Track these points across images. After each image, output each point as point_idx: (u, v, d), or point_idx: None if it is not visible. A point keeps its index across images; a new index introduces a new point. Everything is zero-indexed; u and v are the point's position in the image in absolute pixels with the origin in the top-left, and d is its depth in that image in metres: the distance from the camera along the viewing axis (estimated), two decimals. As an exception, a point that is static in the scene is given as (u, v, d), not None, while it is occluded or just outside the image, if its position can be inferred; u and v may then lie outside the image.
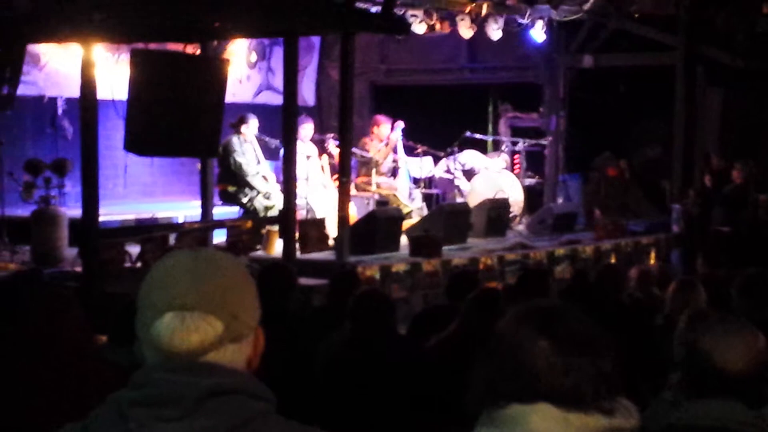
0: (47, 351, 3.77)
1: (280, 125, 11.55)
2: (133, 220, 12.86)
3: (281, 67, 11.50)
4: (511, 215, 14.94)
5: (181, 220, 13.00)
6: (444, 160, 15.64)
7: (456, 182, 15.35)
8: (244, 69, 16.65)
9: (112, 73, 12.32)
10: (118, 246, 9.93)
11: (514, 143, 16.48)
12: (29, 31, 10.17)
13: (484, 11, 15.09)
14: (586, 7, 15.94)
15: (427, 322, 7.05)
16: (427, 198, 15.21)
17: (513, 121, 18.26)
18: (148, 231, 10.81)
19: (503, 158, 16.06)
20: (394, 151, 14.78)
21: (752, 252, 12.24)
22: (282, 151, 11.64)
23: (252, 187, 12.83)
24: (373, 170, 14.28)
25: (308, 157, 13.28)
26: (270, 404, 2.01)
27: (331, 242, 11.81)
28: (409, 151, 15.14)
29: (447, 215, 13.27)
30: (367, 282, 10.21)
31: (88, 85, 9.26)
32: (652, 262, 13.91)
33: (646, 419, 2.28)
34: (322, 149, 14.22)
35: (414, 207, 14.56)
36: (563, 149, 17.82)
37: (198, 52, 12.09)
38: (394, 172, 14.92)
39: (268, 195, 12.84)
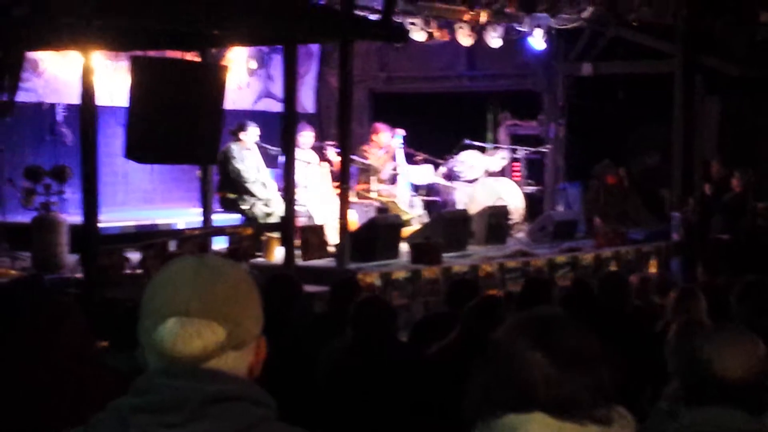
0: (47, 357, 3.78)
1: (279, 132, 11.58)
2: (133, 227, 12.86)
3: (280, 75, 11.53)
4: (511, 223, 14.94)
5: (181, 227, 12.98)
6: (443, 166, 15.63)
7: (453, 189, 15.31)
8: (244, 76, 16.66)
9: (112, 80, 12.34)
10: (118, 252, 9.94)
11: (514, 151, 16.50)
12: (28, 37, 10.18)
13: (483, 19, 15.10)
14: (585, 15, 15.95)
15: (428, 330, 7.05)
16: (427, 205, 15.21)
17: (512, 129, 18.26)
18: (148, 237, 10.81)
19: (501, 156, 16.01)
20: (394, 158, 14.79)
21: (751, 260, 12.23)
22: (282, 159, 11.65)
23: (252, 194, 12.83)
24: (373, 178, 14.29)
25: (308, 164, 13.30)
26: (271, 411, 2.02)
27: (331, 249, 11.82)
28: (409, 159, 15.15)
29: (447, 222, 13.28)
30: (367, 289, 10.21)
31: (87, 92, 9.27)
32: (652, 270, 13.90)
33: (644, 430, 2.28)
34: (322, 156, 14.23)
35: (414, 214, 14.56)
36: (563, 157, 17.83)
37: (197, 59, 12.11)
38: (393, 180, 14.92)
39: (267, 202, 12.84)
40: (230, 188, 12.86)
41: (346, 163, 11.73)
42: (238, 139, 12.99)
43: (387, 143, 14.71)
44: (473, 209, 14.36)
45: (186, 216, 13.73)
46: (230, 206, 12.99)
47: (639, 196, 17.04)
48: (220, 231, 11.84)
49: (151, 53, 11.28)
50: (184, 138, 9.97)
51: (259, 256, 11.69)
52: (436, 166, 15.63)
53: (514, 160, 16.58)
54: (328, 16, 11.31)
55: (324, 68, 18.39)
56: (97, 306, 8.29)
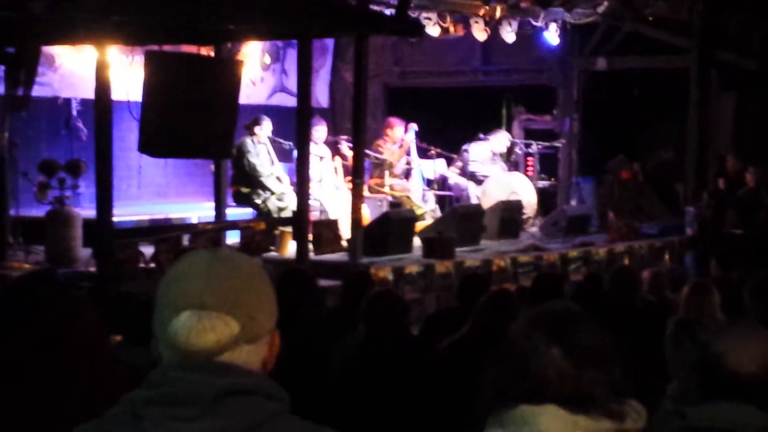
0: (61, 351, 3.79)
1: (293, 127, 11.59)
2: (147, 221, 12.89)
3: (295, 69, 11.53)
4: (524, 217, 14.93)
5: (194, 221, 13.02)
6: (456, 162, 15.62)
7: (465, 185, 15.29)
8: (258, 71, 16.67)
9: (127, 74, 12.35)
10: (132, 246, 9.97)
11: (528, 145, 16.48)
12: (44, 32, 10.22)
13: (498, 14, 15.08)
14: (601, 10, 15.93)
15: (439, 324, 7.06)
16: (440, 200, 15.21)
17: (526, 124, 18.25)
18: (162, 232, 10.85)
19: (504, 137, 15.91)
20: (408, 153, 14.81)
21: (765, 255, 12.21)
22: (295, 153, 11.66)
23: (265, 188, 12.86)
24: (387, 172, 14.30)
25: (321, 158, 13.31)
26: (284, 404, 2.03)
27: (344, 243, 11.83)
28: (423, 153, 15.15)
29: (460, 217, 13.28)
30: (380, 283, 10.22)
31: (102, 87, 9.30)
32: (665, 264, 13.88)
33: (649, 430, 2.29)
34: (336, 151, 14.25)
35: (427, 209, 14.56)
36: (577, 152, 17.81)
37: (212, 54, 12.13)
38: (407, 174, 14.94)
39: (281, 196, 12.87)
40: (244, 182, 12.89)
41: (359, 157, 11.74)
42: (253, 134, 13.02)
43: (401, 138, 14.72)
44: (486, 204, 14.36)
45: (199, 210, 13.76)
46: (243, 200, 13.01)
47: (653, 191, 17.02)
48: (234, 225, 11.86)
49: (166, 48, 11.29)
50: (199, 133, 10.00)
51: (272, 251, 11.70)
52: (449, 160, 15.62)
53: (528, 154, 16.55)
54: (343, 11, 11.31)
55: (338, 63, 18.40)
56: (110, 300, 8.33)
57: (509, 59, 17.79)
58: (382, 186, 14.27)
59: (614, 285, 7.76)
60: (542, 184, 16.36)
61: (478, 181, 15.39)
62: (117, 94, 9.89)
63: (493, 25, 15.27)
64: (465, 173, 15.40)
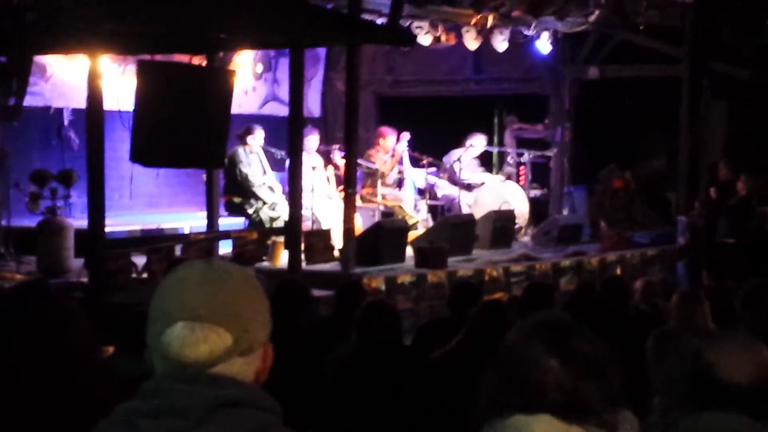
0: (53, 361, 3.78)
1: (285, 136, 11.58)
2: (139, 231, 12.89)
3: (287, 78, 11.52)
4: (516, 227, 14.93)
5: (186, 231, 13.02)
6: (442, 169, 15.58)
7: (454, 194, 15.26)
8: (250, 80, 16.68)
9: (119, 84, 12.34)
10: (124, 257, 9.95)
11: (520, 154, 16.49)
12: (36, 41, 10.20)
13: (489, 23, 15.10)
14: (592, 19, 15.95)
15: (432, 333, 7.06)
16: (432, 209, 15.20)
17: (518, 133, 18.26)
18: (154, 242, 10.83)
19: (481, 138, 15.82)
20: (400, 162, 14.82)
21: (757, 264, 12.22)
22: (287, 162, 11.66)
23: (258, 198, 12.86)
24: (379, 181, 14.30)
25: (314, 168, 13.31)
26: (277, 416, 2.02)
27: (336, 253, 11.82)
28: (415, 162, 15.16)
29: (452, 227, 13.28)
30: (372, 293, 10.22)
31: (94, 96, 9.29)
32: (657, 274, 13.90)
33: None
34: (328, 160, 14.25)
35: (419, 218, 14.57)
36: (568, 161, 17.84)
37: (204, 63, 12.13)
38: (399, 184, 14.94)
39: (273, 206, 12.87)
40: (236, 192, 12.89)
41: (352, 166, 11.74)
42: (245, 143, 13.03)
43: (393, 147, 14.73)
44: (478, 213, 14.36)
45: (192, 220, 13.75)
46: (236, 210, 13.01)
47: (645, 200, 17.04)
48: (226, 235, 11.85)
49: (158, 57, 11.29)
50: (191, 142, 9.99)
51: (265, 260, 11.69)
52: (438, 168, 15.60)
53: (520, 164, 16.56)
54: (335, 20, 11.32)
55: (330, 72, 18.40)
56: (102, 310, 8.31)
57: (501, 68, 17.82)
58: (375, 195, 14.27)
59: (606, 294, 7.77)
60: (534, 193, 16.36)
61: (470, 188, 15.37)
62: (109, 103, 9.88)
63: (484, 34, 15.28)
64: (456, 182, 15.39)
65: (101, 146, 9.36)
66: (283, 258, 11.61)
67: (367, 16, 12.68)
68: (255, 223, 12.77)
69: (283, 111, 14.88)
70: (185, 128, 9.78)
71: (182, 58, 12.63)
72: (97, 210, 9.38)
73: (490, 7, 14.84)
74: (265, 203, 12.88)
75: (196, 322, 1.98)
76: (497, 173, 17.03)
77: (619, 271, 13.27)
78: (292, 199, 11.13)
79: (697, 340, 4.45)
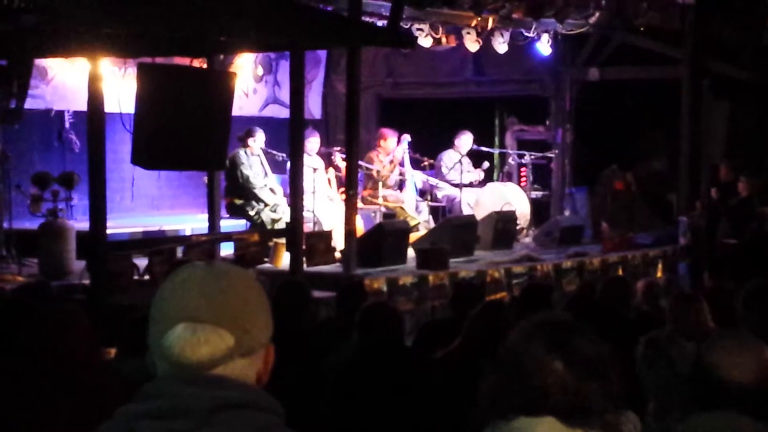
0: (55, 364, 3.79)
1: (286, 138, 11.58)
2: (141, 233, 12.88)
3: (288, 81, 11.52)
4: (517, 228, 14.93)
5: (188, 233, 13.01)
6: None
7: (454, 195, 15.24)
8: (251, 82, 16.68)
9: (120, 86, 12.33)
10: (126, 259, 9.95)
11: (521, 156, 16.49)
12: (36, 44, 10.21)
13: (490, 25, 15.10)
14: (592, 20, 15.96)
15: (433, 334, 7.06)
16: (433, 210, 15.20)
17: (519, 134, 18.26)
18: (156, 244, 10.83)
19: (468, 137, 15.71)
20: (401, 164, 14.83)
21: (758, 264, 12.22)
22: (288, 164, 11.66)
23: (259, 200, 12.87)
24: (380, 183, 14.30)
25: (315, 170, 13.31)
26: (279, 418, 2.02)
27: (337, 255, 11.82)
28: (416, 164, 15.16)
29: (454, 228, 13.28)
30: (374, 294, 10.22)
31: (95, 99, 9.29)
32: (659, 274, 13.90)
33: None
34: (329, 162, 14.26)
35: (421, 219, 14.57)
36: (569, 162, 17.83)
37: (205, 65, 12.13)
38: (400, 185, 14.94)
39: (275, 208, 12.88)
40: (237, 194, 12.90)
41: (353, 168, 11.74)
42: (246, 145, 13.03)
43: (394, 149, 14.74)
44: (480, 214, 14.35)
45: (193, 222, 13.76)
46: (237, 212, 13.02)
47: (646, 201, 17.04)
48: (227, 237, 11.85)
49: (159, 60, 11.29)
50: (192, 144, 9.99)
51: (266, 262, 11.69)
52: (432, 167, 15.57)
53: (521, 165, 16.56)
54: (336, 23, 11.32)
55: (331, 74, 18.40)
56: (104, 312, 8.32)
57: (501, 70, 17.82)
58: (376, 197, 14.27)
59: (607, 295, 7.77)
60: (535, 194, 16.36)
61: (460, 187, 15.35)
62: (110, 106, 9.89)
63: (485, 36, 15.28)
64: (448, 183, 15.36)
65: (102, 148, 9.36)
66: (284, 259, 11.62)
67: (367, 19, 12.69)
68: (256, 225, 12.77)
69: (283, 113, 14.87)
70: (186, 130, 9.78)
71: (183, 60, 12.63)
72: (98, 212, 9.38)
73: (490, 9, 14.84)
74: (266, 205, 12.88)
75: (198, 323, 1.98)
76: (498, 174, 17.06)
77: (620, 272, 13.26)
78: (293, 200, 11.14)
79: (688, 343, 4.45)
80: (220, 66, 12.56)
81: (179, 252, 10.61)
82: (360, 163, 12.95)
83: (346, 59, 11.98)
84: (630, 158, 17.33)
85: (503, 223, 14.20)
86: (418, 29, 14.54)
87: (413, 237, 13.14)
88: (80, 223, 11.32)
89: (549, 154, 17.06)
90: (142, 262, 10.19)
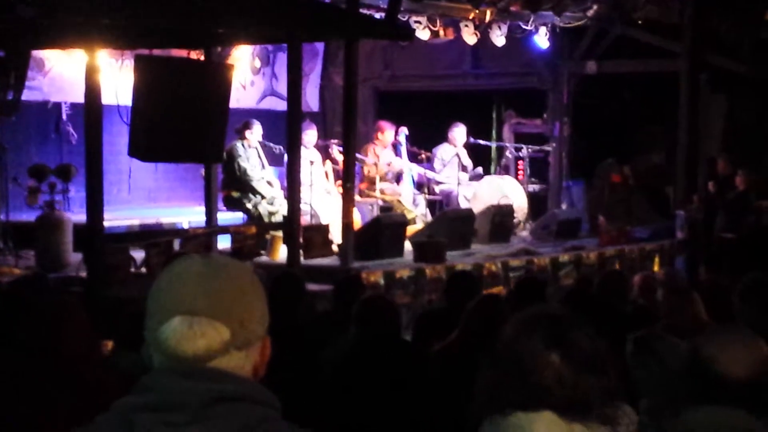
0: (52, 356, 3.78)
1: (284, 131, 11.57)
2: (138, 226, 12.88)
3: (285, 73, 11.51)
4: (515, 221, 14.93)
5: (185, 226, 13.02)
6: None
7: (450, 188, 15.23)
8: (248, 75, 16.67)
9: (117, 78, 12.33)
10: (123, 251, 9.95)
11: (518, 149, 16.48)
12: (34, 36, 10.20)
13: (488, 18, 15.09)
14: (590, 13, 15.95)
15: (429, 325, 7.06)
16: (431, 204, 15.20)
17: (516, 127, 18.25)
18: (153, 236, 10.83)
19: (462, 130, 15.66)
20: (399, 156, 14.84)
21: (755, 258, 12.23)
22: (286, 157, 11.66)
23: (256, 193, 12.86)
24: (377, 176, 14.30)
25: (312, 162, 13.31)
26: (275, 411, 2.03)
27: (335, 248, 11.82)
28: (413, 157, 15.15)
29: (451, 221, 13.28)
30: (371, 288, 10.22)
31: (92, 91, 9.28)
32: (656, 268, 13.90)
33: None
34: (326, 155, 14.25)
35: (418, 213, 14.56)
36: (567, 155, 17.83)
37: (202, 57, 12.12)
38: (398, 178, 14.94)
39: (272, 200, 12.87)
40: (235, 187, 12.89)
41: (350, 161, 11.73)
42: (243, 138, 13.02)
43: (391, 141, 14.73)
44: (477, 208, 14.35)
45: (190, 215, 13.75)
46: (234, 205, 13.01)
47: (643, 195, 17.04)
48: (225, 230, 11.85)
49: (156, 52, 11.28)
50: (189, 136, 9.98)
51: (263, 255, 11.70)
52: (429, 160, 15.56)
53: (518, 158, 16.56)
54: (333, 15, 11.31)
55: (328, 67, 18.40)
56: (101, 305, 8.31)
57: (499, 63, 17.81)
58: (373, 190, 14.27)
59: (603, 289, 7.77)
60: (533, 187, 16.36)
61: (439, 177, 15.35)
62: (107, 98, 9.87)
63: (482, 28, 15.28)
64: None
65: (99, 140, 9.35)
66: (281, 252, 11.62)
67: (365, 11, 12.68)
68: (253, 218, 12.77)
69: (281, 106, 14.88)
70: (183, 123, 9.77)
71: (180, 52, 12.62)
72: (95, 204, 9.38)
73: (488, 1, 14.84)
74: (263, 198, 12.88)
75: (194, 316, 1.98)
76: (495, 168, 17.05)
77: (618, 266, 13.26)
78: (290, 193, 11.13)
79: (677, 339, 4.45)
80: (218, 58, 12.55)
81: (176, 245, 10.61)
82: (357, 155, 12.94)
83: (344, 52, 11.96)
84: (627, 152, 17.33)
85: (500, 216, 14.20)
86: (416, 22, 14.53)
87: (410, 230, 13.14)
88: (77, 215, 11.31)
89: (546, 148, 17.05)
90: (139, 255, 10.19)
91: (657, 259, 14.41)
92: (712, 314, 6.17)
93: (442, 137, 15.55)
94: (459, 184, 14.93)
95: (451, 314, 6.57)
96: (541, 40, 16.13)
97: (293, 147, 11.10)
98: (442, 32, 15.23)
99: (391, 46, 17.75)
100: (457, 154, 15.17)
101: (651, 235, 15.30)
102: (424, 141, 15.35)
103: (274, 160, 13.62)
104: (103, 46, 10.08)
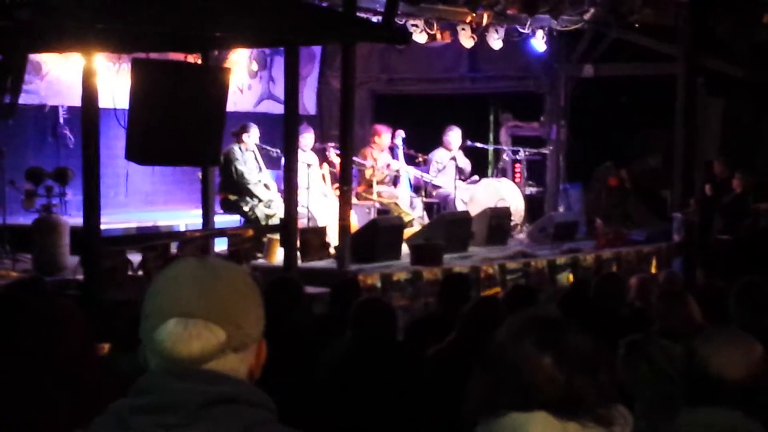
0: (49, 360, 3.78)
1: (281, 134, 11.58)
2: (135, 229, 12.87)
3: (282, 77, 11.51)
4: (512, 224, 14.94)
5: (182, 229, 13.01)
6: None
7: (447, 191, 15.23)
8: (245, 78, 16.66)
9: (114, 82, 12.34)
10: (120, 254, 9.94)
11: (515, 152, 16.49)
12: (31, 40, 10.19)
13: (485, 21, 15.10)
14: (587, 17, 15.97)
15: (423, 330, 7.06)
16: (428, 207, 15.21)
17: (514, 131, 18.25)
18: (150, 239, 10.82)
19: (457, 133, 15.63)
20: (396, 159, 14.85)
21: (752, 261, 12.24)
22: (283, 160, 11.66)
23: (253, 196, 12.87)
24: (374, 179, 14.31)
25: (309, 165, 13.31)
26: (271, 413, 2.03)
27: (332, 251, 11.83)
28: (410, 160, 15.16)
29: (448, 224, 13.29)
30: (368, 290, 10.23)
31: (89, 94, 9.27)
32: (653, 270, 13.91)
33: None
34: (323, 158, 14.26)
35: (415, 215, 14.57)
36: (564, 158, 17.84)
37: (199, 61, 12.12)
38: (395, 181, 14.95)
39: (269, 203, 12.88)
40: (232, 190, 12.89)
41: (347, 164, 11.74)
42: (241, 141, 13.03)
43: (388, 145, 14.74)
44: (474, 210, 14.36)
45: (187, 218, 13.74)
46: (231, 208, 13.01)
47: (640, 198, 17.05)
48: (222, 233, 11.85)
49: (153, 55, 11.28)
50: (186, 140, 9.98)
51: (260, 258, 11.70)
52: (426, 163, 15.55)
53: (515, 161, 16.57)
54: (330, 18, 11.32)
55: (325, 70, 18.38)
56: (98, 308, 8.32)
57: (496, 66, 17.81)
58: (370, 193, 14.28)
59: (600, 291, 7.77)
60: (530, 190, 16.37)
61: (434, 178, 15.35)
62: (104, 101, 9.87)
63: (479, 32, 15.28)
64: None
65: (96, 144, 9.34)
66: (278, 255, 11.62)
67: (362, 14, 12.68)
68: (250, 221, 12.78)
69: (278, 109, 14.87)
70: (180, 126, 9.77)
71: (177, 56, 12.62)
72: (92, 207, 9.36)
73: (485, 5, 14.85)
74: (260, 201, 12.89)
75: (189, 318, 1.98)
76: (493, 171, 17.05)
77: (615, 269, 13.27)
78: (287, 196, 11.13)
79: (669, 342, 4.46)
80: (215, 61, 12.56)
81: (173, 247, 10.60)
82: (354, 158, 12.95)
83: (341, 55, 11.98)
84: (624, 155, 17.35)
85: (497, 219, 14.21)
86: (413, 25, 14.53)
87: (407, 233, 13.15)
88: (74, 218, 11.30)
89: (543, 151, 17.07)
90: (136, 258, 10.18)
91: (654, 262, 14.41)
92: (708, 316, 6.18)
93: (439, 140, 15.55)
94: (456, 188, 14.94)
95: (444, 318, 6.57)
96: (538, 43, 16.14)
97: (290, 150, 11.11)
98: (439, 35, 15.24)
99: (388, 50, 17.75)
100: (454, 158, 15.18)
101: (648, 237, 15.31)
102: (421, 144, 15.36)
103: (271, 163, 13.62)
104: (100, 50, 10.08)
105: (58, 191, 11.78)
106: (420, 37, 14.76)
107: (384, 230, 12.23)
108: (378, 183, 14.39)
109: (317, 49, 17.92)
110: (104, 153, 9.86)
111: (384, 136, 14.73)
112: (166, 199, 15.77)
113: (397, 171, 14.88)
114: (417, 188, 15.28)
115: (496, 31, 15.42)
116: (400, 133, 14.85)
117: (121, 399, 2.00)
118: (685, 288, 7.71)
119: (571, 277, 12.79)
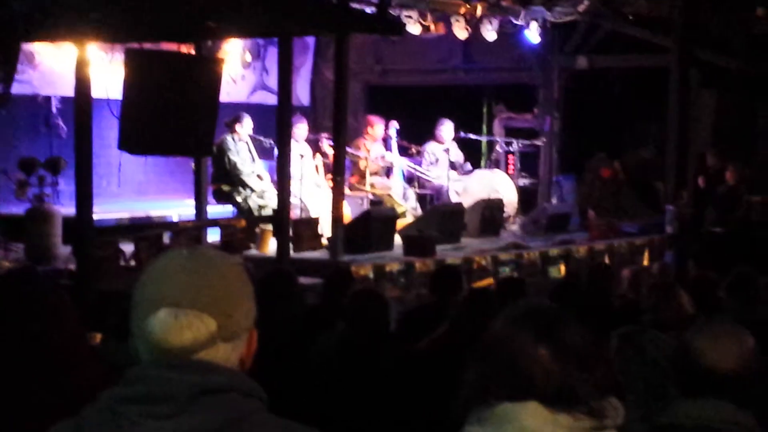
0: (40, 349, 3.78)
1: (274, 125, 11.57)
2: (128, 219, 12.87)
3: (276, 67, 11.51)
4: (505, 215, 14.95)
5: (175, 219, 13.00)
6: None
7: (440, 183, 15.22)
8: (239, 69, 16.65)
9: (107, 72, 12.31)
10: (112, 244, 9.94)
11: (508, 144, 16.49)
12: (23, 30, 10.16)
13: (478, 12, 15.09)
14: (581, 8, 15.95)
15: (415, 321, 7.07)
16: (421, 198, 15.21)
17: (507, 122, 18.27)
18: (143, 229, 10.82)
19: (449, 126, 15.62)
20: (389, 150, 14.83)
21: (744, 253, 12.26)
22: (276, 151, 11.66)
23: (246, 186, 12.86)
24: (367, 170, 14.30)
25: (302, 156, 13.31)
26: (262, 402, 2.03)
27: (324, 241, 11.83)
28: (403, 151, 15.15)
29: (441, 215, 13.30)
30: (360, 281, 10.23)
31: (82, 85, 9.26)
32: (645, 262, 13.92)
33: None
34: (316, 149, 14.25)
35: (408, 207, 14.57)
36: (557, 150, 17.85)
37: (193, 51, 12.10)
38: (387, 172, 14.94)
39: (262, 194, 12.87)
40: (225, 180, 12.89)
41: (340, 155, 11.74)
42: (234, 131, 13.03)
43: (381, 136, 14.74)
44: (467, 202, 14.37)
45: (180, 208, 13.74)
46: (224, 198, 13.01)
47: (633, 189, 17.06)
48: (214, 223, 11.84)
49: (147, 46, 11.26)
50: (179, 130, 9.98)
51: (253, 248, 11.70)
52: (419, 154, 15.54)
53: (509, 153, 16.58)
54: (324, 9, 11.30)
55: (319, 61, 18.38)
56: (90, 298, 8.31)
57: (490, 58, 17.80)
58: (363, 184, 14.27)
59: (592, 283, 7.78)
60: (523, 182, 16.38)
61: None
62: (97, 91, 9.85)
63: (473, 23, 15.28)
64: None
65: (89, 134, 9.33)
66: (271, 246, 11.62)
67: (356, 5, 12.67)
68: (243, 211, 12.77)
69: (271, 99, 14.86)
70: (173, 116, 9.77)
71: (170, 46, 12.60)
72: (84, 197, 9.36)
73: (478, -4, 14.85)
74: (253, 191, 12.88)
75: (180, 308, 1.98)
76: (486, 162, 17.05)
77: (607, 260, 13.28)
78: (280, 187, 11.14)
79: (661, 333, 4.46)
80: (208, 52, 12.53)
81: (166, 238, 10.60)
82: (347, 149, 12.94)
83: (335, 46, 11.97)
84: (618, 146, 17.36)
85: (490, 210, 14.22)
86: (407, 16, 14.53)
87: (400, 224, 13.15)
88: (66, 208, 11.28)
89: (537, 142, 17.08)
90: (128, 248, 10.18)
91: (647, 254, 14.42)
92: (700, 308, 6.19)
93: (432, 134, 15.54)
94: (449, 179, 14.93)
95: (437, 308, 6.57)
96: (532, 35, 16.13)
97: (283, 141, 11.11)
98: (432, 27, 15.24)
99: (382, 41, 17.73)
100: (447, 150, 15.16)
101: (641, 229, 15.32)
102: (414, 135, 15.35)
103: (264, 153, 13.61)
104: (93, 40, 10.06)
105: (51, 181, 11.77)
106: (414, 28, 14.76)
107: (377, 221, 12.23)
108: (371, 174, 14.39)
109: (311, 40, 17.92)
110: (97, 143, 9.85)
111: (377, 127, 14.73)
112: (158, 190, 15.76)
113: (391, 162, 14.87)
114: (410, 179, 15.27)
115: (490, 22, 15.42)
116: (394, 124, 14.84)
117: (112, 388, 2.00)
118: (677, 280, 7.71)
119: (563, 269, 12.80)
